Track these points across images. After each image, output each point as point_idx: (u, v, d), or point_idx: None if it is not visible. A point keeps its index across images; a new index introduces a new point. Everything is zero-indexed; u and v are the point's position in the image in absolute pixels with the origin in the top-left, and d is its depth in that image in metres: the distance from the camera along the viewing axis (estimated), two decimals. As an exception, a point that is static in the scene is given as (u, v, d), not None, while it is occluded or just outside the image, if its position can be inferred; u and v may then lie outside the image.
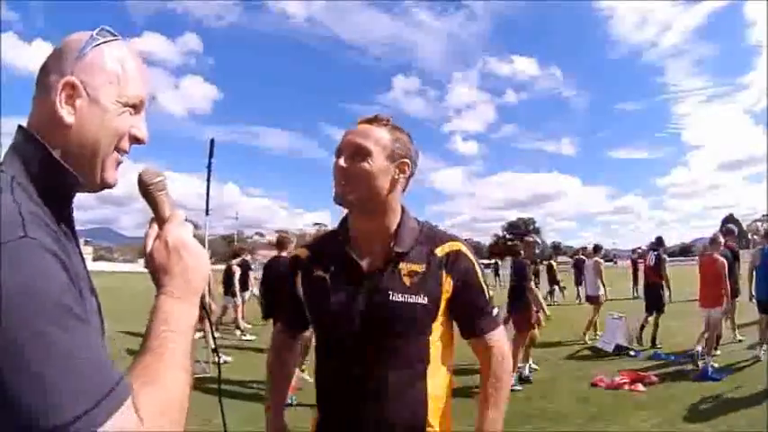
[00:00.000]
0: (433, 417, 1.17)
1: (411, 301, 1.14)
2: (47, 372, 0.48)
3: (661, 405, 4.26)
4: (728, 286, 5.57)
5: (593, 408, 4.27)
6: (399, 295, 1.14)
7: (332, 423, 1.20)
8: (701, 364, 5.26)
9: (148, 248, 0.73)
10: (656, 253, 7.36)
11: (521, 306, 5.17)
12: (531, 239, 5.77)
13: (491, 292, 1.27)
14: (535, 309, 5.21)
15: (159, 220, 0.76)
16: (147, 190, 0.77)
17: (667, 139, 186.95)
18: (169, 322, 0.65)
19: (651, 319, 7.01)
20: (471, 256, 1.22)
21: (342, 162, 1.15)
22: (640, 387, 4.78)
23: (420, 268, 1.17)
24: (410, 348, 1.15)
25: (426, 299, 1.14)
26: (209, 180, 6.29)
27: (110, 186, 0.73)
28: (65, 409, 0.48)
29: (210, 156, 6.22)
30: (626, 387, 4.80)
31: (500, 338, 1.27)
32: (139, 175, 0.77)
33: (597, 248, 8.58)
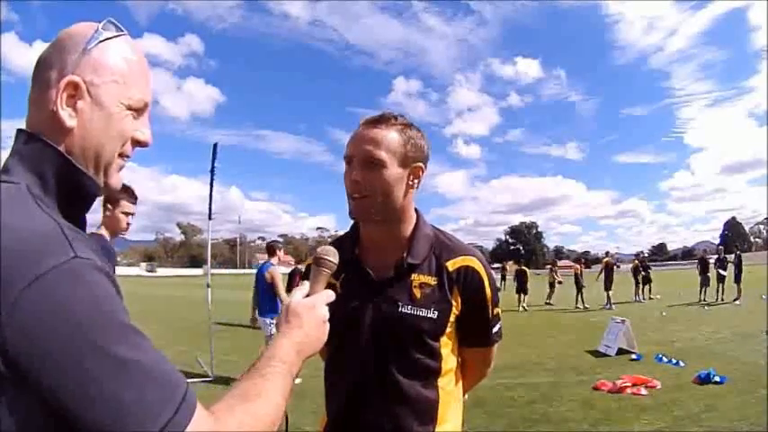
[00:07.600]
0: (443, 424, 1.15)
1: (420, 314, 1.12)
2: (129, 392, 0.49)
3: (664, 409, 4.23)
4: None
5: (596, 412, 4.24)
6: (408, 307, 1.12)
7: (341, 427, 1.18)
8: None
9: (293, 300, 0.85)
10: None
11: None
12: None
13: (498, 307, 1.24)
14: None
15: (312, 288, 0.89)
16: (319, 263, 0.91)
17: (671, 143, 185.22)
18: (281, 357, 0.72)
19: None
20: (483, 272, 1.19)
21: (354, 174, 1.11)
22: (643, 391, 4.74)
23: (431, 281, 1.15)
24: (420, 357, 1.13)
25: (436, 313, 1.13)
26: (212, 184, 6.26)
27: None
28: (150, 422, 0.49)
29: (214, 159, 6.16)
30: (628, 391, 4.77)
31: (494, 351, 1.29)
32: (318, 251, 0.94)
33: None
